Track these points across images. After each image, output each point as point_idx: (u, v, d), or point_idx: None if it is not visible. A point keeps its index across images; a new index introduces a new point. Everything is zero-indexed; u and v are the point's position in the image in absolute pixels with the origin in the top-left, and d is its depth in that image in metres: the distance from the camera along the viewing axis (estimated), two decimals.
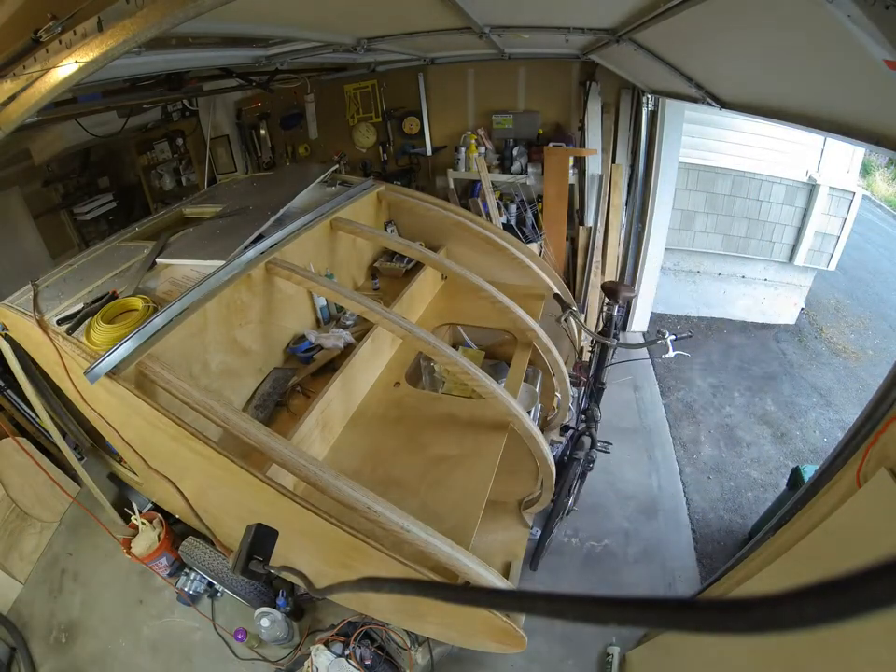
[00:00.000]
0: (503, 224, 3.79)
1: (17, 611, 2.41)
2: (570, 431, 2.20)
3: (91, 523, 2.56)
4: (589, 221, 3.85)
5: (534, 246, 3.69)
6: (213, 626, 2.25)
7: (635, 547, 2.50)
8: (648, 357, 3.79)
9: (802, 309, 4.54)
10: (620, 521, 2.63)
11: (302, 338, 2.09)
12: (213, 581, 2.23)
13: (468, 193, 4.04)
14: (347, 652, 1.89)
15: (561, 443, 2.30)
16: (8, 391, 2.54)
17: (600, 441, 2.17)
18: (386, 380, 2.11)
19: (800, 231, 4.04)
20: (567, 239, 3.93)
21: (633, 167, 3.73)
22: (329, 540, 1.33)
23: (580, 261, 3.96)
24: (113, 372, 1.40)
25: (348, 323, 2.25)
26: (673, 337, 1.82)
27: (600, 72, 3.46)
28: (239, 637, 2.14)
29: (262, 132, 4.50)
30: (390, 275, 2.71)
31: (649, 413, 3.38)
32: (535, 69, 3.64)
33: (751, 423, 3.40)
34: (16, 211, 3.85)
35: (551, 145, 3.62)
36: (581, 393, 2.45)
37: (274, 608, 2.07)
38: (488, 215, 3.71)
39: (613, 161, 3.71)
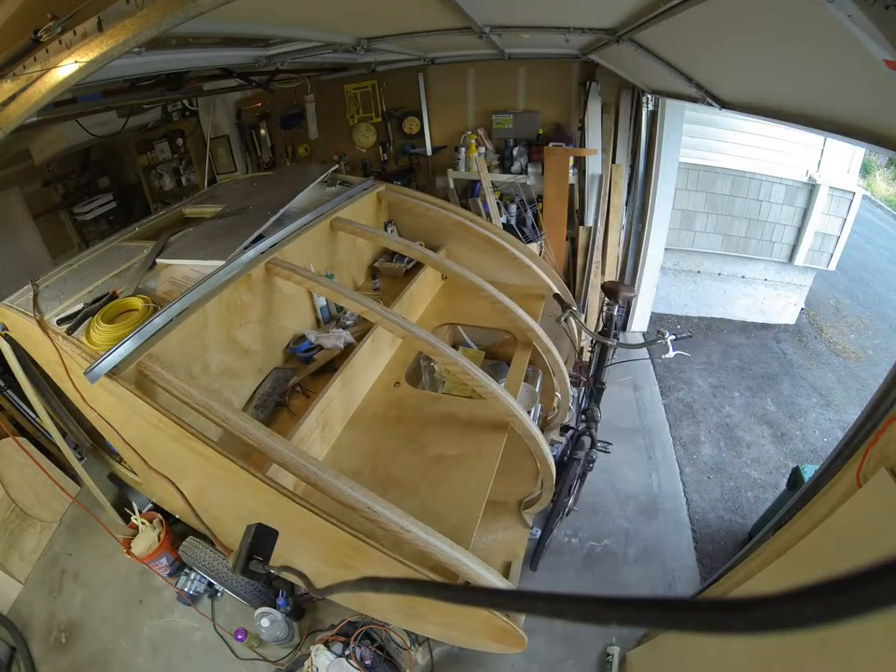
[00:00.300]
0: (503, 224, 3.79)
1: (17, 611, 2.41)
2: (570, 431, 2.20)
3: (91, 523, 2.56)
4: (589, 221, 3.85)
5: (534, 246, 3.69)
6: (213, 626, 2.25)
7: (635, 547, 2.50)
8: (648, 356, 3.79)
9: (802, 309, 4.54)
10: (620, 521, 2.63)
11: (302, 338, 2.09)
12: (213, 580, 2.23)
13: (468, 193, 4.04)
14: (347, 652, 1.89)
15: (561, 443, 2.30)
16: (8, 391, 2.54)
17: (600, 441, 2.17)
18: (386, 380, 2.11)
19: (800, 231, 4.04)
20: (567, 239, 3.93)
21: (633, 167, 3.73)
22: (329, 540, 1.33)
23: (580, 261, 3.96)
24: (113, 372, 1.40)
25: (348, 323, 2.25)
26: (673, 337, 1.82)
27: (600, 72, 3.46)
28: (239, 637, 2.14)
29: (262, 132, 4.50)
30: (390, 275, 2.71)
31: (649, 413, 3.38)
32: (535, 69, 3.64)
33: (751, 423, 3.40)
34: (16, 211, 3.85)
35: (551, 145, 3.62)
36: (581, 393, 2.45)
37: (274, 608, 2.07)
38: (488, 215, 3.71)
39: (613, 161, 3.71)
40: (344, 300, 1.88)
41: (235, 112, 4.49)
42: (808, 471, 2.23)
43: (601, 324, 2.13)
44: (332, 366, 1.99)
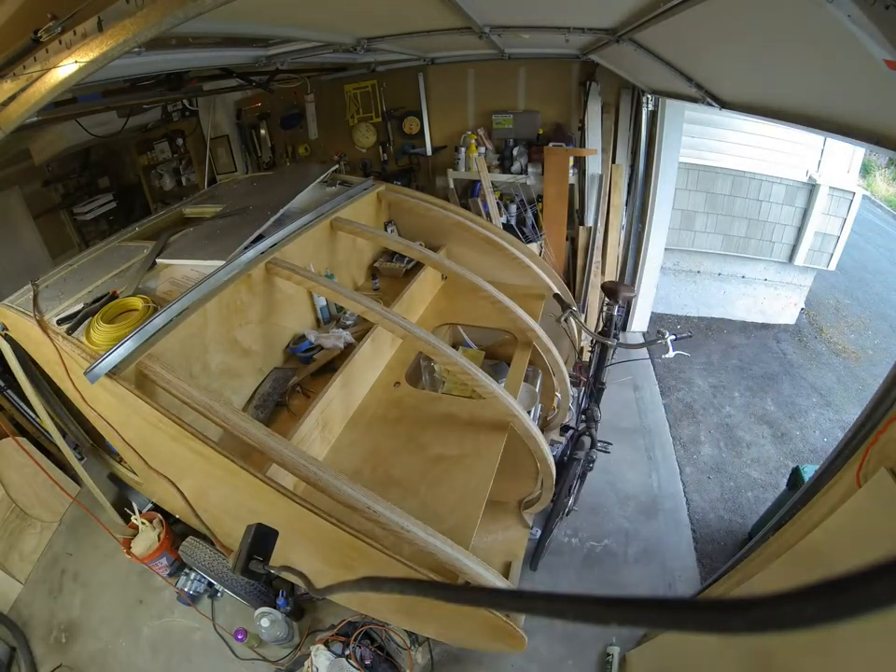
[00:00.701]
0: (503, 224, 3.79)
1: (17, 611, 2.41)
2: (570, 431, 2.20)
3: (91, 523, 2.56)
4: (589, 221, 3.85)
5: (534, 246, 3.69)
6: (213, 626, 2.25)
7: (635, 547, 2.50)
8: (648, 357, 3.79)
9: (802, 309, 4.54)
10: (620, 521, 2.63)
11: (302, 338, 2.09)
12: (213, 580, 2.23)
13: (468, 193, 4.03)
14: (347, 652, 1.89)
15: (561, 443, 2.30)
16: (8, 391, 2.54)
17: (600, 441, 2.17)
18: (386, 380, 2.11)
19: (800, 231, 4.03)
20: (567, 239, 3.93)
21: (633, 167, 3.73)
22: (329, 540, 1.33)
23: (580, 261, 3.96)
24: (113, 372, 1.40)
25: (348, 323, 2.25)
26: (673, 337, 1.82)
27: (600, 72, 3.46)
28: (239, 637, 2.14)
29: (262, 132, 4.50)
30: (390, 275, 2.71)
31: (649, 413, 3.38)
32: (535, 69, 3.64)
33: (751, 423, 3.40)
34: (16, 211, 3.85)
35: (551, 145, 3.62)
36: (581, 393, 2.45)
37: (274, 608, 2.07)
38: (488, 215, 3.71)
39: (613, 161, 3.71)
40: (344, 300, 1.88)
41: (235, 112, 4.49)
42: (808, 471, 2.22)
43: (601, 324, 2.13)
44: (332, 366, 1.99)
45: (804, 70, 1.48)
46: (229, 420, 1.34)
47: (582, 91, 3.57)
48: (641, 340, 3.19)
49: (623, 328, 4.20)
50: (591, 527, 2.58)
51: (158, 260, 1.86)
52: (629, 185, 3.80)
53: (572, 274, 4.05)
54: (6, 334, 1.77)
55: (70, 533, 2.70)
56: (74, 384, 1.54)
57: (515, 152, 3.80)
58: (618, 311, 2.10)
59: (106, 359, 1.38)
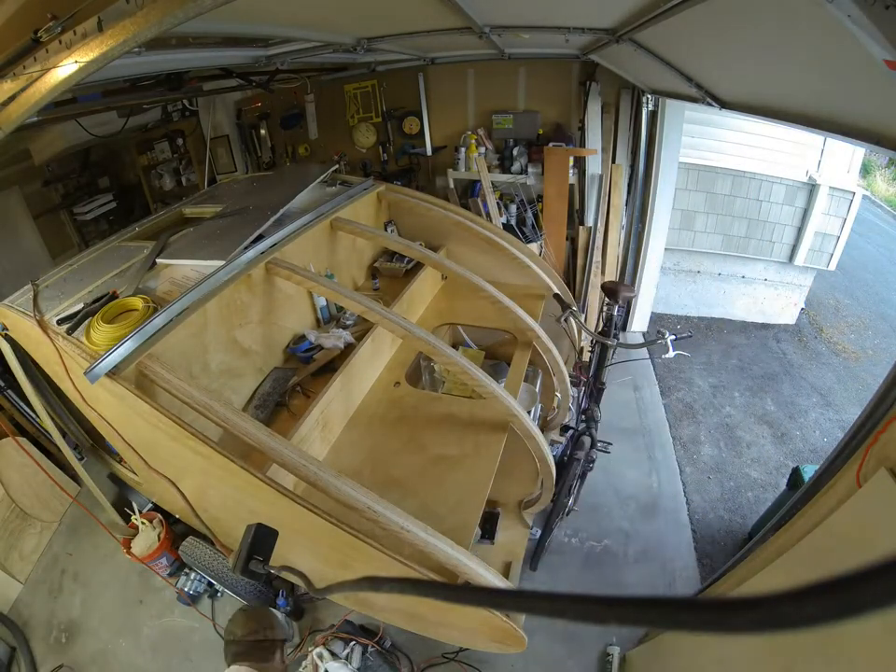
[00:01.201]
0: (503, 224, 3.79)
1: (17, 611, 2.41)
2: (570, 431, 2.20)
3: (91, 523, 2.56)
4: (589, 221, 3.85)
5: (534, 246, 3.69)
6: (213, 626, 2.25)
7: (635, 547, 2.50)
8: (648, 356, 3.79)
9: (802, 309, 4.54)
10: (620, 521, 2.63)
11: (302, 338, 2.09)
12: (213, 581, 2.23)
13: (468, 193, 4.04)
14: (347, 652, 1.89)
15: (561, 443, 2.30)
16: (8, 391, 2.54)
17: (600, 441, 2.17)
18: (386, 380, 2.11)
19: (800, 231, 4.03)
20: (567, 239, 3.93)
21: (633, 167, 3.73)
22: (329, 540, 1.33)
23: (580, 261, 3.96)
24: (113, 372, 1.40)
25: (348, 323, 2.25)
26: (673, 337, 1.82)
27: (600, 72, 3.46)
28: None
29: (262, 132, 4.50)
30: (390, 275, 2.71)
31: (649, 413, 3.38)
32: (535, 69, 3.64)
33: (751, 423, 3.40)
34: (16, 211, 3.85)
35: (551, 145, 3.62)
36: (581, 393, 2.45)
37: (274, 607, 2.07)
38: (488, 215, 3.71)
39: (613, 161, 3.71)
40: (344, 300, 1.88)
41: (235, 112, 4.49)
42: (808, 471, 2.22)
43: (601, 324, 2.13)
44: (332, 366, 1.99)
45: (804, 70, 1.47)
46: (229, 420, 1.34)
47: (582, 91, 3.57)
48: (641, 340, 3.19)
49: (623, 328, 4.20)
50: (591, 527, 2.58)
51: (158, 260, 1.86)
52: (629, 185, 3.80)
53: (572, 274, 4.05)
54: (6, 334, 1.77)
55: (70, 533, 2.70)
56: (74, 384, 1.54)
57: (515, 152, 3.80)
58: (618, 311, 2.09)
59: (106, 359, 1.38)
